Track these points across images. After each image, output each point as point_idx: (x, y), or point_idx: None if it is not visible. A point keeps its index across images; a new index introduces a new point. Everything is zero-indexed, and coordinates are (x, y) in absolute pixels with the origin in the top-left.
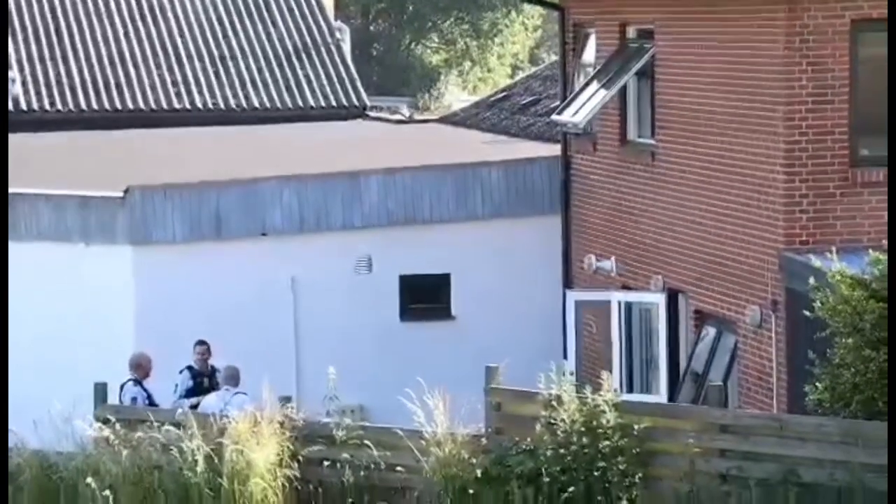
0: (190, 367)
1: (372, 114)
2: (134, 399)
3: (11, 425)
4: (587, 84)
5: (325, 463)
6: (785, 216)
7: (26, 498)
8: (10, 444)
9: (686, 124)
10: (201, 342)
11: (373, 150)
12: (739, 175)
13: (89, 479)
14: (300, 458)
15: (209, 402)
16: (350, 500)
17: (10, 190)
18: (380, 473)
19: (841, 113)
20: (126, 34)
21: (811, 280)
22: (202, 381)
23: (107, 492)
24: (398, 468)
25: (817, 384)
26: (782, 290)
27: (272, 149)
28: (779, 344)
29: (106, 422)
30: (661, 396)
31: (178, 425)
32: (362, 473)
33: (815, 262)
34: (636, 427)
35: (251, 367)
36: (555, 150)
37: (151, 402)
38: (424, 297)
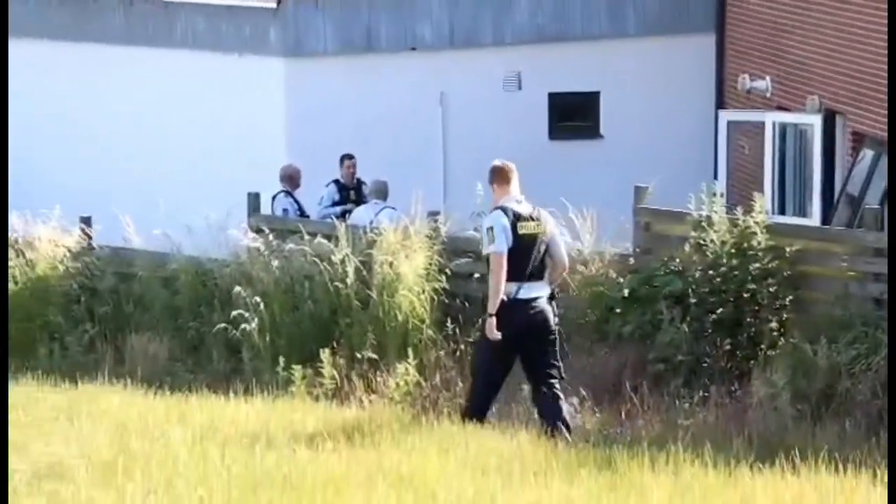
0: (336, 181)
1: None
2: (285, 210)
3: (167, 230)
4: None
5: (474, 276)
6: None
7: (182, 301)
8: (167, 249)
9: None
10: (349, 156)
11: None
12: None
13: (242, 287)
14: (448, 271)
15: (358, 214)
16: None
17: None
18: None
19: None
20: None
21: None
22: (348, 194)
23: (258, 298)
24: None
25: None
26: None
27: None
28: None
29: (258, 231)
30: (814, 219)
31: (328, 237)
32: None
33: None
34: (788, 250)
35: (399, 181)
36: None
37: (302, 214)
38: (573, 115)
